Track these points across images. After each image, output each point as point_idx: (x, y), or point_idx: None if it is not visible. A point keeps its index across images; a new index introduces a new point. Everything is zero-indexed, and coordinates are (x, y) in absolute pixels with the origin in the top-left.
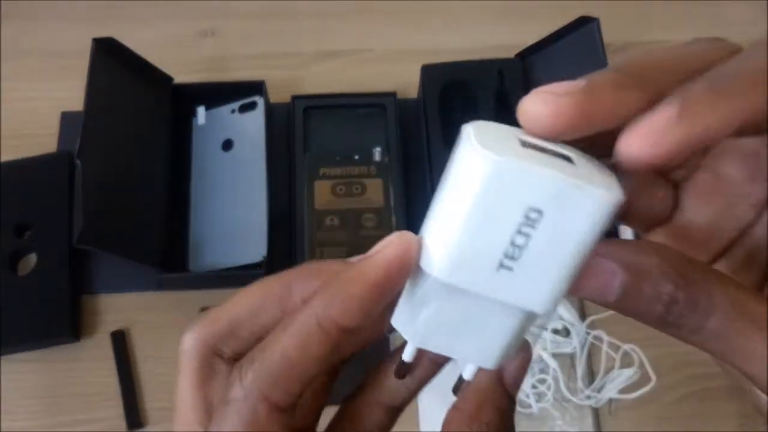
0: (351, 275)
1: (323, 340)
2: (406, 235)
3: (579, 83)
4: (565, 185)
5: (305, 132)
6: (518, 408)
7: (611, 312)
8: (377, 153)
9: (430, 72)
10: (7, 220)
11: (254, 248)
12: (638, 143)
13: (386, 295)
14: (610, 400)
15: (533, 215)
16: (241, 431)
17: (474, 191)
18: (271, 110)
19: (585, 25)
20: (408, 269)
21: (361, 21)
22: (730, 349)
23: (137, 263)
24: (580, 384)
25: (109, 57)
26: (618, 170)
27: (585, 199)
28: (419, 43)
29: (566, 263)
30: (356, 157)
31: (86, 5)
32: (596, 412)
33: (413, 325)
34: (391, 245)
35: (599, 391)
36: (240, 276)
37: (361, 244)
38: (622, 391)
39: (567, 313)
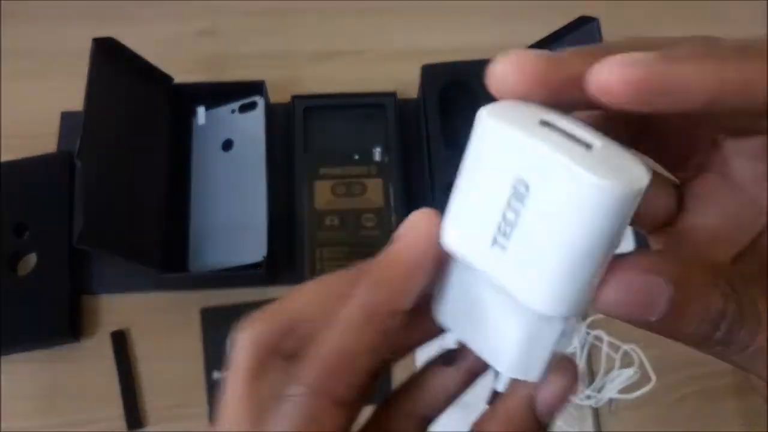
0: (388, 260)
1: (375, 328)
2: (427, 210)
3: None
4: (552, 162)
5: (305, 132)
6: None
7: None
8: (377, 153)
9: (430, 72)
10: (7, 220)
11: (254, 248)
12: (609, 69)
13: (422, 272)
14: (610, 400)
15: (521, 189)
16: (303, 430)
17: (467, 154)
18: (271, 110)
19: (585, 25)
20: (435, 243)
21: (361, 21)
22: None
23: (137, 263)
24: (580, 384)
25: (109, 57)
26: None
27: (573, 183)
28: (419, 43)
29: (561, 256)
30: (356, 157)
31: (86, 5)
32: (596, 412)
33: (443, 306)
34: (415, 222)
35: (599, 391)
36: (240, 276)
37: (361, 244)
38: (622, 391)
39: None
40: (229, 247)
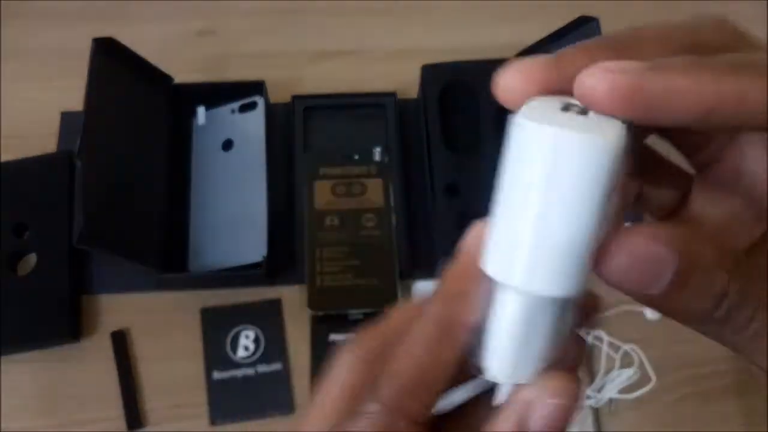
0: (457, 272)
1: (450, 342)
2: (480, 223)
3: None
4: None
5: (305, 132)
6: None
7: (612, 311)
8: (377, 153)
9: (430, 72)
10: (7, 220)
11: (254, 248)
12: (595, 75)
13: None
14: (610, 400)
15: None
16: None
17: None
18: (271, 110)
19: (585, 24)
20: None
21: (361, 21)
22: None
23: (137, 263)
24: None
25: (109, 57)
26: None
27: (552, 140)
28: (419, 43)
29: (540, 224)
30: (356, 157)
31: (86, 5)
32: (596, 412)
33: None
34: (477, 231)
35: (599, 391)
36: (240, 276)
37: (361, 244)
38: (622, 391)
39: None
40: (229, 247)
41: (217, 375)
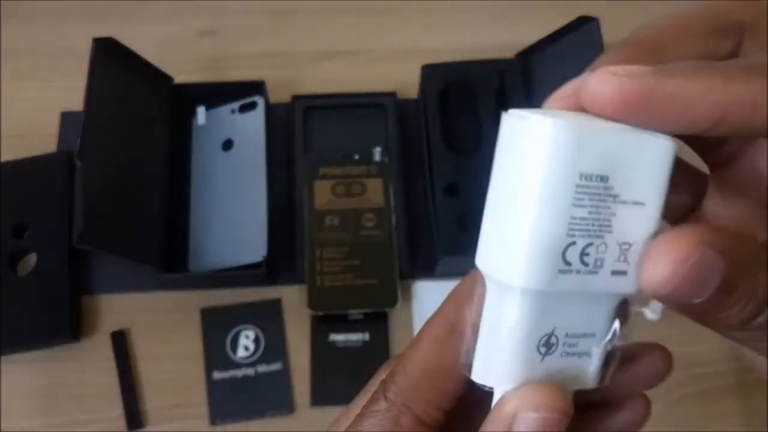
0: (471, 277)
1: (455, 342)
2: None
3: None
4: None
5: (305, 132)
6: None
7: None
8: (377, 153)
9: (430, 72)
10: (7, 220)
11: (254, 248)
12: (600, 79)
13: None
14: None
15: None
16: None
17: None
18: (271, 110)
19: (585, 24)
20: None
21: (361, 21)
22: None
23: (137, 263)
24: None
25: (109, 57)
26: None
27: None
28: (419, 43)
29: (511, 208)
30: (356, 157)
31: (86, 5)
32: None
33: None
34: None
35: None
36: (240, 276)
37: (361, 244)
38: None
39: None
40: (229, 247)
41: (217, 375)
